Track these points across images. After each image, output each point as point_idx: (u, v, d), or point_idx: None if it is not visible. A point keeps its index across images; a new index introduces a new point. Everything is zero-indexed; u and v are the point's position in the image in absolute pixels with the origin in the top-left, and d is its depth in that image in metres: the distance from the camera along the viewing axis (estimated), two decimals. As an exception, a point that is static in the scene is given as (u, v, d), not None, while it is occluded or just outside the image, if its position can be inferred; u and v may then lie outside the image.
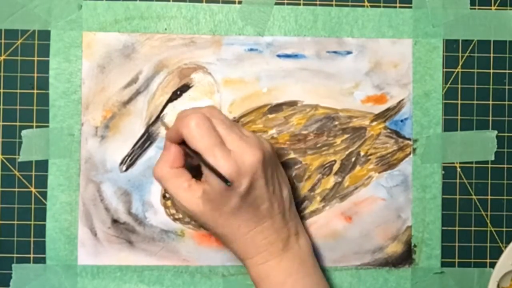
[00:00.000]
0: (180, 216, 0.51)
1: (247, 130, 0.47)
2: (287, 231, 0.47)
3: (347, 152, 0.52)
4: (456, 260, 0.52)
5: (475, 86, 0.53)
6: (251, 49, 0.52)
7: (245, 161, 0.43)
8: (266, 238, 0.46)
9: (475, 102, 0.53)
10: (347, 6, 0.52)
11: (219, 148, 0.43)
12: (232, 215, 0.44)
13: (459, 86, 0.53)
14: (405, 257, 0.52)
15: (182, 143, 0.45)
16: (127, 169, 0.51)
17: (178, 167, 0.46)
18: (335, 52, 0.52)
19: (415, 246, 0.52)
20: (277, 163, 0.47)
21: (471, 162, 0.52)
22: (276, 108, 0.52)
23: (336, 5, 0.52)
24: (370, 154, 0.52)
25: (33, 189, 0.51)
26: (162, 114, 0.51)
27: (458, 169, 0.52)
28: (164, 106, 0.51)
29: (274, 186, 0.46)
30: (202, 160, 0.43)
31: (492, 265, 0.52)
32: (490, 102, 0.53)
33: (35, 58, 0.51)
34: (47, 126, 0.51)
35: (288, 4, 0.52)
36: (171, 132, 0.46)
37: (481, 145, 0.52)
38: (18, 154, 0.51)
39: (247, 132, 0.46)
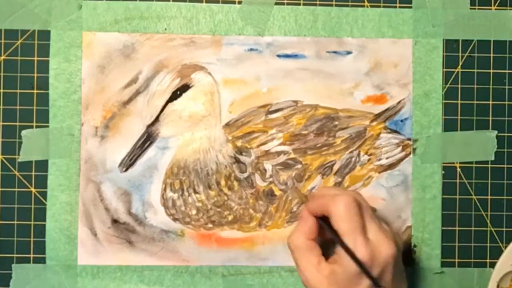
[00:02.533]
0: (180, 216, 0.51)
1: (384, 223, 0.47)
2: None
3: (347, 152, 0.52)
4: (456, 260, 0.52)
5: (475, 86, 0.53)
6: (251, 49, 0.52)
7: (381, 252, 0.43)
8: None
9: (475, 102, 0.53)
10: (347, 6, 0.52)
11: (360, 234, 0.43)
12: None
13: (459, 86, 0.53)
14: (405, 257, 0.52)
15: (321, 218, 0.45)
16: (127, 169, 0.51)
17: (312, 239, 0.45)
18: (335, 52, 0.52)
19: (415, 246, 0.52)
20: (400, 261, 0.46)
21: (471, 162, 0.52)
22: (276, 108, 0.52)
23: (336, 5, 0.52)
24: (370, 154, 0.52)
25: (33, 189, 0.51)
26: (294, 186, 0.51)
27: (458, 169, 0.52)
28: (164, 106, 0.51)
29: (396, 282, 0.45)
30: (341, 241, 0.43)
31: (492, 265, 0.52)
32: (490, 102, 0.53)
33: (35, 58, 0.51)
34: (47, 126, 0.51)
35: (288, 4, 0.52)
36: (314, 205, 0.46)
37: (481, 145, 0.52)
38: (18, 154, 0.51)
39: (385, 226, 0.46)
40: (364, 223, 0.44)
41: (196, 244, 0.51)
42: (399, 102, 0.52)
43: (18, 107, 0.51)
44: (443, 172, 0.52)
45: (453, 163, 0.52)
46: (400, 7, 0.52)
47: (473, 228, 0.52)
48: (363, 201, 0.46)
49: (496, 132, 0.52)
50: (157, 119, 0.51)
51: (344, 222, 0.43)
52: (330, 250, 0.45)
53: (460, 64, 0.53)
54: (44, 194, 0.51)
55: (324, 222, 0.45)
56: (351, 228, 0.43)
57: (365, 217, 0.44)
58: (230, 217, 0.51)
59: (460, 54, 0.53)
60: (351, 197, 0.44)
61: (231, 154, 0.52)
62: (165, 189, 0.51)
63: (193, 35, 0.52)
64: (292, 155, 0.52)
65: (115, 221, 0.51)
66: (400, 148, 0.52)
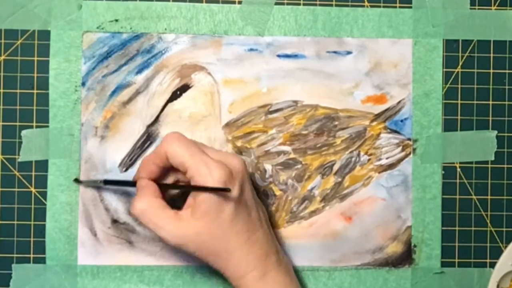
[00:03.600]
0: (180, 216, 0.51)
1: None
2: (275, 245, 0.47)
3: (347, 152, 0.52)
4: (456, 260, 0.52)
5: (475, 86, 0.53)
6: (251, 49, 0.52)
7: (233, 166, 0.44)
8: (262, 248, 0.45)
9: (475, 102, 0.53)
10: (347, 6, 0.52)
11: (206, 156, 0.44)
12: (230, 224, 0.44)
13: (459, 86, 0.53)
14: (405, 257, 0.52)
15: (155, 181, 0.46)
16: (127, 169, 0.51)
17: (156, 197, 0.45)
18: (335, 52, 0.52)
19: (415, 246, 0.52)
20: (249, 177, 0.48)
21: (471, 162, 0.52)
22: (276, 108, 0.52)
23: (336, 5, 0.52)
24: (370, 154, 0.52)
25: (33, 189, 0.51)
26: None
27: (458, 169, 0.52)
28: (164, 106, 0.51)
29: (253, 193, 0.47)
30: (187, 184, 0.44)
31: (492, 265, 0.52)
32: (490, 102, 0.53)
33: (35, 58, 0.51)
34: (47, 126, 0.51)
35: (288, 4, 0.52)
36: (142, 165, 0.46)
37: (481, 145, 0.52)
38: (18, 154, 0.51)
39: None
40: (201, 149, 0.44)
41: (196, 244, 0.51)
42: (399, 102, 0.52)
43: (18, 107, 0.51)
44: (443, 172, 0.52)
45: (453, 163, 0.52)
46: (400, 7, 0.52)
47: (473, 228, 0.52)
48: (186, 137, 0.46)
49: (496, 132, 0.52)
50: (157, 119, 0.51)
51: (184, 151, 0.44)
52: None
53: (460, 64, 0.53)
54: (44, 194, 0.51)
55: (162, 180, 0.45)
56: (192, 153, 0.43)
57: (199, 145, 0.45)
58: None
59: (460, 54, 0.53)
60: (176, 133, 0.45)
61: (231, 154, 0.52)
62: (165, 189, 0.51)
63: (193, 35, 0.52)
64: (292, 155, 0.52)
65: (115, 221, 0.51)
66: (400, 148, 0.52)
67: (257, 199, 0.48)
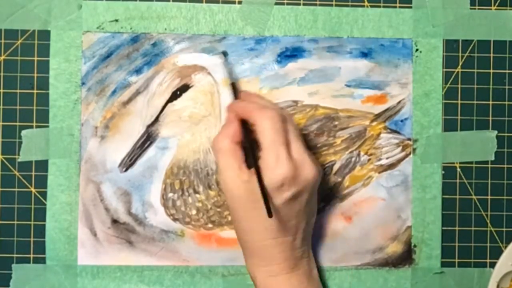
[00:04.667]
0: (180, 216, 0.51)
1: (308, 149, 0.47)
2: (301, 252, 0.47)
3: (347, 152, 0.52)
4: (456, 260, 0.52)
5: (475, 86, 0.53)
6: (251, 49, 0.52)
7: (303, 172, 0.44)
8: (283, 252, 0.45)
9: (475, 102, 0.53)
10: (347, 6, 0.52)
11: (284, 149, 0.43)
12: (264, 215, 0.44)
13: (459, 86, 0.53)
14: (405, 257, 0.52)
15: (243, 123, 0.45)
16: (127, 169, 0.51)
17: (237, 142, 0.45)
18: (335, 52, 0.52)
19: (415, 246, 0.52)
20: (316, 190, 0.47)
21: (471, 162, 0.52)
22: (276, 108, 0.52)
23: (336, 5, 0.52)
24: (370, 154, 0.52)
25: (33, 189, 0.51)
26: (232, 82, 0.50)
27: (458, 169, 0.52)
28: (164, 106, 0.51)
29: (309, 208, 0.46)
30: (253, 154, 0.43)
31: (492, 265, 0.52)
32: (490, 102, 0.53)
33: (35, 58, 0.51)
34: (47, 126, 0.51)
35: (288, 4, 0.52)
36: (241, 108, 0.46)
37: (481, 145, 0.52)
38: (18, 154, 0.51)
39: (310, 152, 0.46)
40: (288, 140, 0.44)
41: (196, 244, 0.51)
42: (399, 102, 0.52)
43: (18, 107, 0.51)
44: (443, 172, 0.52)
45: (453, 163, 0.52)
46: (400, 7, 0.52)
47: (473, 228, 0.52)
48: (291, 121, 0.46)
49: (496, 132, 0.52)
50: (157, 119, 0.51)
51: (268, 133, 0.43)
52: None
53: (460, 64, 0.53)
54: (44, 194, 0.51)
55: (247, 130, 0.45)
56: (275, 141, 0.43)
57: (290, 135, 0.45)
58: (230, 217, 0.51)
59: (460, 54, 0.53)
60: (278, 112, 0.44)
61: (231, 154, 0.51)
62: (165, 189, 0.51)
63: (193, 35, 0.52)
64: (292, 155, 0.52)
65: (115, 221, 0.51)
66: (400, 148, 0.52)
67: (310, 211, 0.47)
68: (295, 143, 0.45)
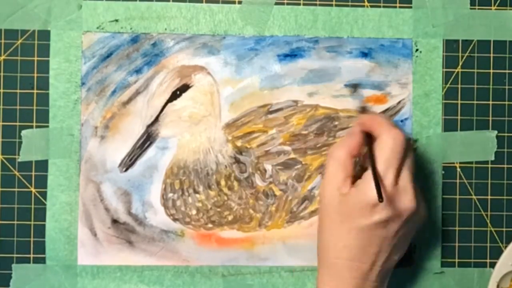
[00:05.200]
0: (180, 216, 0.51)
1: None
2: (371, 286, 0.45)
3: (347, 152, 0.52)
4: (456, 260, 0.52)
5: (475, 86, 0.53)
6: (251, 49, 0.52)
7: (401, 200, 0.44)
8: (355, 279, 0.44)
9: (475, 102, 0.53)
10: (347, 6, 0.52)
11: (393, 172, 0.43)
12: (348, 233, 0.44)
13: (459, 86, 0.53)
14: (405, 257, 0.52)
15: (366, 136, 0.46)
16: (127, 169, 0.51)
17: (353, 156, 0.46)
18: (335, 52, 0.52)
19: (415, 246, 0.52)
20: (410, 227, 0.46)
21: (471, 162, 0.52)
22: (276, 108, 0.52)
23: (336, 5, 0.52)
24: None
25: (33, 189, 0.51)
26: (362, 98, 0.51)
27: (458, 169, 0.52)
28: (164, 106, 0.51)
29: (396, 241, 0.45)
30: (373, 165, 0.43)
31: (492, 265, 0.52)
32: (490, 102, 0.53)
33: (35, 58, 0.51)
34: (47, 126, 0.51)
35: (288, 4, 0.52)
36: (370, 118, 0.46)
37: (481, 145, 0.52)
38: (18, 154, 0.51)
39: (417, 187, 0.46)
40: (401, 167, 0.44)
41: (196, 244, 0.51)
42: (399, 102, 0.52)
43: (18, 107, 0.51)
44: (443, 172, 0.52)
45: (453, 163, 0.52)
46: (400, 7, 0.52)
47: (473, 228, 0.52)
48: (410, 150, 0.46)
49: (496, 132, 0.52)
50: (157, 119, 0.51)
51: (388, 154, 0.44)
52: (359, 175, 0.45)
53: (460, 64, 0.53)
54: (44, 194, 0.51)
55: (369, 145, 0.45)
56: (389, 162, 0.43)
57: (405, 163, 0.45)
58: (230, 217, 0.51)
59: (460, 54, 0.53)
60: (403, 136, 0.45)
61: (231, 154, 0.52)
62: (165, 189, 0.51)
63: (193, 35, 0.52)
64: (292, 155, 0.52)
65: (115, 221, 0.51)
66: (400, 148, 0.52)
67: (396, 246, 0.45)
68: (406, 171, 0.44)
